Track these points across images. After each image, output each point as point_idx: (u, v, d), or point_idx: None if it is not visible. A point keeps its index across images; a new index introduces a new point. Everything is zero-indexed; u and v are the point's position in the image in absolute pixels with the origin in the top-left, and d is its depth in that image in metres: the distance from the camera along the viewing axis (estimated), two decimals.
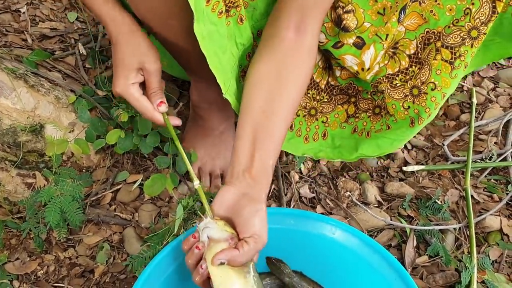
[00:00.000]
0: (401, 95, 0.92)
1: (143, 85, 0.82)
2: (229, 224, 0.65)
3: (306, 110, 1.01)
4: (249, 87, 0.75)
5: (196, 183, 0.71)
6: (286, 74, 0.75)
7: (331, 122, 1.02)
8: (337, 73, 0.98)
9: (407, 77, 0.91)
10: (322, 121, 1.03)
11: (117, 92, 0.79)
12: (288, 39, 0.75)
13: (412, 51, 0.91)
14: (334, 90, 1.02)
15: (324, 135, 1.03)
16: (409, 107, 0.92)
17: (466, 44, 0.84)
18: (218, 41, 0.76)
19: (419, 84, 0.90)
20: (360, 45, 0.88)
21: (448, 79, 0.88)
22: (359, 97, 1.01)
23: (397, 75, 0.92)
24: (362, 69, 0.91)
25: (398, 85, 0.92)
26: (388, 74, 0.93)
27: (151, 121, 0.82)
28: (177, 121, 0.84)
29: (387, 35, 0.88)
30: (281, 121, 0.73)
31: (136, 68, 0.77)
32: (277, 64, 0.75)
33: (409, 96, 0.91)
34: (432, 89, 0.89)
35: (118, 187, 1.02)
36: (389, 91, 0.93)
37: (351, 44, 0.88)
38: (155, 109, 0.80)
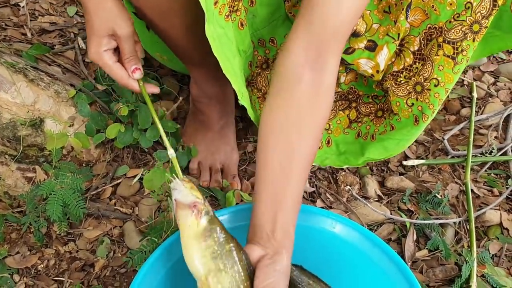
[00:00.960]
0: (405, 92, 0.91)
1: (118, 52, 0.79)
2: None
3: None
4: (265, 136, 0.70)
5: (171, 152, 0.71)
6: (304, 123, 0.69)
7: (333, 128, 1.02)
8: (342, 79, 0.98)
9: (411, 73, 0.91)
10: (325, 129, 1.02)
11: (91, 59, 0.77)
12: (305, 81, 0.68)
13: (416, 48, 0.90)
14: (334, 97, 1.01)
15: (328, 142, 1.02)
16: (412, 104, 0.91)
17: (468, 39, 0.84)
18: (227, 45, 0.75)
19: (422, 81, 0.89)
20: (372, 47, 0.88)
21: (451, 75, 0.88)
22: (360, 101, 1.01)
23: (402, 72, 0.92)
24: (377, 71, 0.91)
25: (402, 82, 0.91)
26: (394, 72, 0.93)
27: (127, 88, 0.80)
28: (155, 89, 0.81)
29: (399, 34, 0.87)
30: (300, 177, 0.69)
31: (107, 35, 0.74)
32: (294, 112, 0.69)
33: (413, 93, 0.91)
34: (435, 85, 0.88)
35: (118, 181, 1.02)
36: (393, 88, 0.93)
37: (362, 48, 0.88)
38: (130, 76, 0.77)
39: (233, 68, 0.77)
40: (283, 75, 0.70)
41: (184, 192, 0.63)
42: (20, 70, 0.99)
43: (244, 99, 0.82)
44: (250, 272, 0.64)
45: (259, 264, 0.64)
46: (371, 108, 1.00)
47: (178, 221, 0.63)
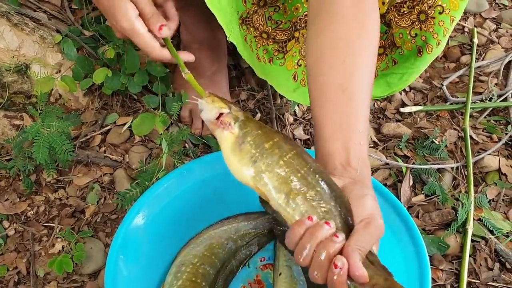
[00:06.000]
0: (408, 22, 0.87)
1: None
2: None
3: None
4: (316, 61, 0.64)
5: (186, 71, 0.64)
6: (355, 40, 0.63)
7: None
8: None
9: (414, 3, 0.87)
10: None
11: (125, 28, 0.63)
12: None
13: None
14: None
15: None
16: (416, 34, 0.88)
17: None
18: None
19: (426, 9, 0.85)
20: None
21: (456, 1, 0.84)
22: None
23: (405, 2, 0.88)
24: (383, 3, 0.87)
25: (405, 12, 0.87)
26: (397, 3, 0.89)
27: (160, 61, 0.71)
28: (190, 57, 0.70)
29: None
30: (364, 98, 0.62)
31: None
32: (341, 30, 0.64)
33: (416, 23, 0.87)
34: (440, 13, 0.84)
35: (107, 128, 1.00)
36: (396, 19, 0.89)
37: None
38: (157, 34, 0.64)
39: (220, 3, 0.73)
40: None
41: (208, 108, 0.57)
42: (3, 14, 0.95)
43: (233, 36, 0.78)
44: (307, 155, 0.55)
45: (348, 194, 0.55)
46: None
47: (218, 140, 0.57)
